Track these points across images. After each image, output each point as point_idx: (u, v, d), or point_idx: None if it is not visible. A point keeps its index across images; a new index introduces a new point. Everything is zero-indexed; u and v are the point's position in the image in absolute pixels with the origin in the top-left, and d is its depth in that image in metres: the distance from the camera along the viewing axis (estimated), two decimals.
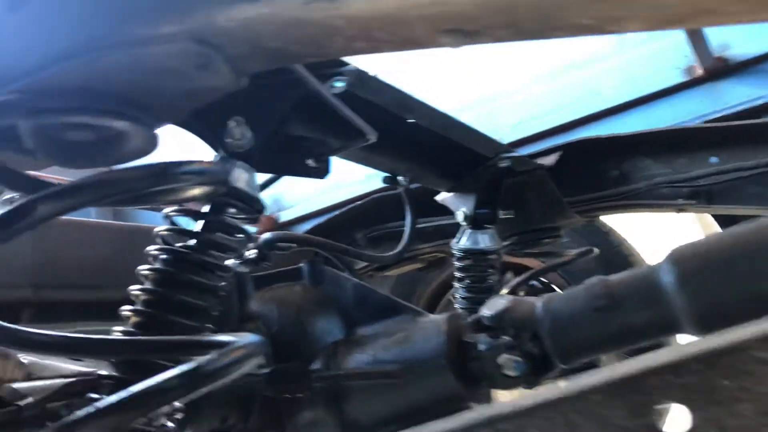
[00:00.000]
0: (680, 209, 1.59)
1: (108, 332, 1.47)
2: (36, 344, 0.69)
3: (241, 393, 1.11)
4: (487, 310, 1.09)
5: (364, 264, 1.86)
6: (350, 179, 2.12)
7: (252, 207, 0.91)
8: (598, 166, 1.67)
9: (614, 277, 1.08)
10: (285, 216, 2.33)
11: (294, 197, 2.34)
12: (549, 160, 1.62)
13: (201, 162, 0.73)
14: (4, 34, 0.58)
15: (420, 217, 1.61)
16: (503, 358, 1.05)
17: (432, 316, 1.17)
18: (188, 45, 0.59)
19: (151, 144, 0.73)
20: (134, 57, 0.60)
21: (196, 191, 0.73)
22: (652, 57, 1.85)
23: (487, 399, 1.15)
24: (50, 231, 1.43)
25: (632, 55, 1.90)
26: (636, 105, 1.85)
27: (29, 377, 0.96)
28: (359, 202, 1.93)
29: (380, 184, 2.06)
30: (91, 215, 2.10)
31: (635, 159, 1.65)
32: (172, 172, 0.63)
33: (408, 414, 1.12)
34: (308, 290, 1.25)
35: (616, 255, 2.06)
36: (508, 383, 1.07)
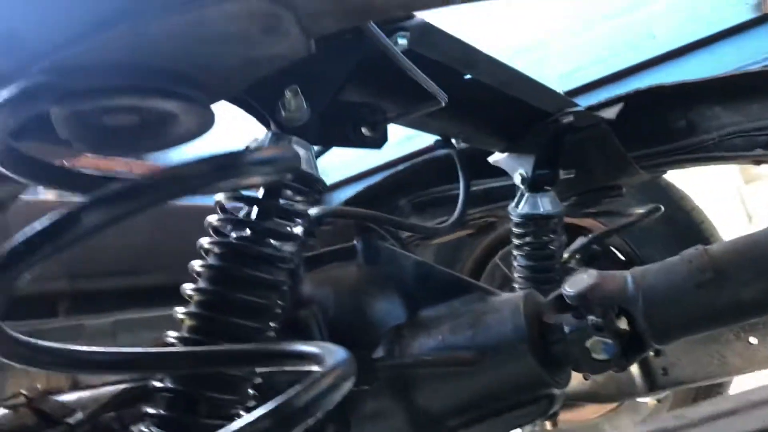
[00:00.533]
0: (757, 161, 1.46)
1: (147, 321, 1.35)
2: (90, 364, 0.60)
3: None
4: (569, 288, 0.99)
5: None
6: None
7: (313, 188, 0.80)
8: (663, 117, 1.53)
9: (717, 247, 0.96)
10: None
11: (323, 165, 2.20)
12: (610, 113, 1.48)
13: (270, 149, 0.62)
14: None
15: (469, 180, 1.49)
16: (593, 340, 0.95)
17: (505, 295, 1.06)
18: (255, 2, 0.47)
19: (205, 124, 0.61)
20: (189, 22, 0.48)
21: (260, 178, 0.62)
22: None
23: (566, 383, 1.05)
24: None
25: None
26: (697, 48, 1.68)
27: (75, 384, 0.87)
28: (401, 167, 1.80)
29: (418, 146, 1.93)
30: None
31: (702, 107, 1.51)
32: (241, 163, 0.52)
33: (484, 402, 1.03)
34: (364, 270, 1.15)
35: (679, 211, 1.92)
36: (598, 367, 0.97)
